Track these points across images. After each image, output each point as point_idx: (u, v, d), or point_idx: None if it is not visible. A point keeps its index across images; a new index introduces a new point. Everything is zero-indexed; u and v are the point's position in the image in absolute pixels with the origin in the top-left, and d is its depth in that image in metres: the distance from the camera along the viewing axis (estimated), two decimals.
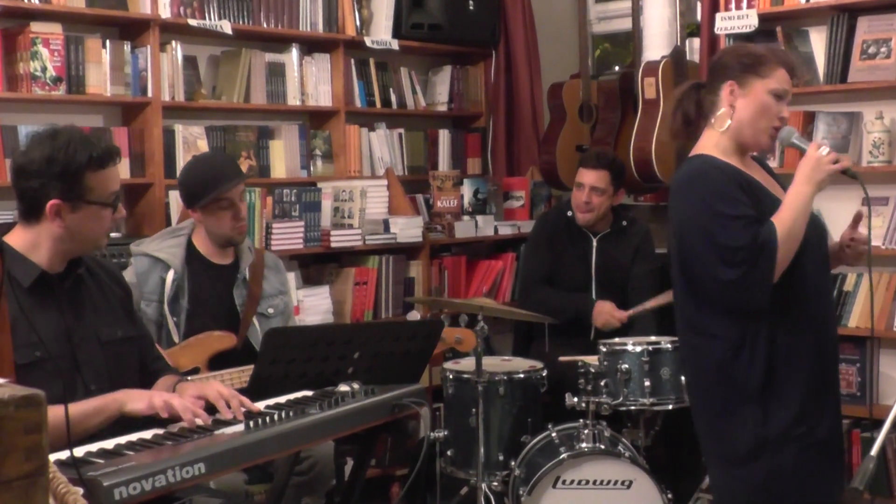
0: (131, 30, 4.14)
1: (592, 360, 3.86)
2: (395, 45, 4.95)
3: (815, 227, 2.78)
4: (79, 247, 2.52)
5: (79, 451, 2.05)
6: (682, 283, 2.81)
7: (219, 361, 3.34)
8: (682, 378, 3.79)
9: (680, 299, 2.85)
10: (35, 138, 2.50)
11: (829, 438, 2.79)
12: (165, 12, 4.15)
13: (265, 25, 4.51)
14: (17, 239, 2.49)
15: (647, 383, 3.71)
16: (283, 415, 2.34)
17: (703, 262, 2.69)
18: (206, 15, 4.30)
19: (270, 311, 3.56)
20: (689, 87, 2.92)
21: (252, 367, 2.82)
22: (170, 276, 3.42)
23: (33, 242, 2.48)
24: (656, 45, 4.96)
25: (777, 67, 2.75)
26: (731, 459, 2.77)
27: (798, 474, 2.71)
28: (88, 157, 2.42)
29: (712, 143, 2.79)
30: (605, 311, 4.30)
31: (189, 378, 3.13)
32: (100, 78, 3.98)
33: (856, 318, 4.27)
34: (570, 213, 4.52)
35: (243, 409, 2.41)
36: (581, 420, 3.71)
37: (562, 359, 4.04)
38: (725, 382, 2.74)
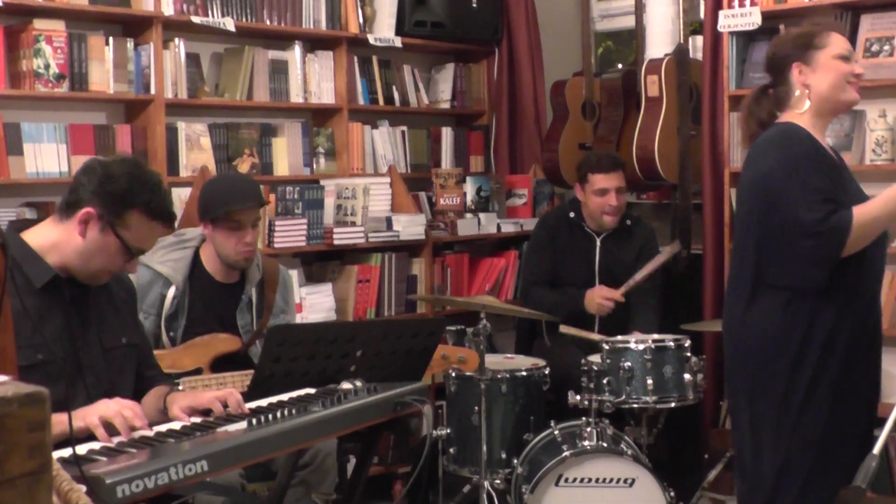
0: (134, 27, 4.14)
1: (596, 336, 4.00)
2: (398, 42, 4.95)
3: None
4: (83, 267, 2.48)
5: (81, 449, 2.05)
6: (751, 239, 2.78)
7: (221, 364, 3.31)
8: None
9: (747, 258, 2.81)
10: (130, 156, 2.60)
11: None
12: (168, 9, 4.15)
13: (268, 23, 4.51)
14: (39, 236, 2.48)
15: (649, 381, 3.72)
16: (286, 412, 2.34)
17: (790, 203, 2.67)
18: (210, 12, 4.30)
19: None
20: (757, 92, 2.92)
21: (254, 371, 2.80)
22: (170, 292, 3.34)
23: (54, 242, 2.46)
24: (659, 42, 4.96)
25: (830, 33, 2.79)
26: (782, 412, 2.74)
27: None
28: (146, 200, 2.46)
29: (793, 119, 2.81)
30: (596, 295, 4.28)
31: (187, 380, 3.13)
32: (103, 75, 3.98)
33: None
34: (572, 215, 4.52)
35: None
36: (584, 418, 3.70)
37: (563, 328, 4.19)
38: (780, 342, 2.73)
